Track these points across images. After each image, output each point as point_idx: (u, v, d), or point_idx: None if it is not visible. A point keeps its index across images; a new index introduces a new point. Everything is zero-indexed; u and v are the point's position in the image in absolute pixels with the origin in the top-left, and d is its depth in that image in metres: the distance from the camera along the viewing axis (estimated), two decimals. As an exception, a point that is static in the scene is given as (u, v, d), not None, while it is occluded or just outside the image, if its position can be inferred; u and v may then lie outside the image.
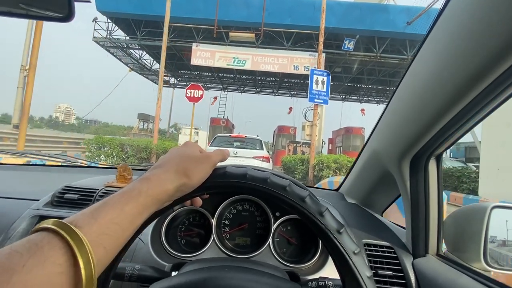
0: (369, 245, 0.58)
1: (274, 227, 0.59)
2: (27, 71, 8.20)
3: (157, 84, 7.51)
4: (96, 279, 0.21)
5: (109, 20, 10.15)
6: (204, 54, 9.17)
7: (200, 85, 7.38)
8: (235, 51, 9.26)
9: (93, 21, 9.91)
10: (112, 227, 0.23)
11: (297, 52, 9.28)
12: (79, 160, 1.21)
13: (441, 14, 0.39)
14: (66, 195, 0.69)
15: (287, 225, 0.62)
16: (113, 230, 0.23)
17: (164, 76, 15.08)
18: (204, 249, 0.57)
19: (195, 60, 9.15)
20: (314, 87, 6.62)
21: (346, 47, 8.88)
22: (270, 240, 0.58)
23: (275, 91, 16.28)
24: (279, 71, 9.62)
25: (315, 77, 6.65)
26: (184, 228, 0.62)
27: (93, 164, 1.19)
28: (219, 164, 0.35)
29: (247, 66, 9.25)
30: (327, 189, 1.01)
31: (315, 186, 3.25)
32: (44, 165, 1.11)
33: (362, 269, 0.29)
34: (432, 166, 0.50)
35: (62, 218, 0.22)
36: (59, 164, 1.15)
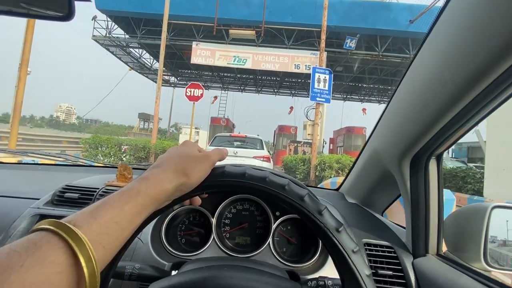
0: (369, 244, 0.58)
1: (274, 226, 0.60)
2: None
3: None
4: (99, 276, 0.21)
5: (108, 19, 10.15)
6: (204, 53, 9.16)
7: (200, 84, 7.35)
8: (236, 49, 9.25)
9: (92, 20, 9.93)
10: (112, 226, 0.23)
11: (298, 51, 9.26)
12: (79, 160, 1.22)
13: (441, 14, 0.39)
14: (66, 194, 0.69)
15: (287, 225, 0.62)
16: (113, 229, 0.23)
17: (164, 75, 15.13)
18: (204, 248, 0.57)
19: (195, 59, 9.14)
20: (316, 85, 6.56)
21: (347, 45, 8.85)
22: (270, 239, 0.59)
23: (275, 90, 16.27)
24: (280, 70, 9.60)
25: (317, 75, 6.58)
26: (184, 227, 0.62)
27: (93, 163, 1.19)
28: (218, 163, 0.35)
29: (248, 65, 9.24)
30: (327, 189, 1.01)
31: (318, 186, 3.25)
32: (44, 164, 1.12)
33: (361, 267, 0.30)
34: (432, 166, 0.51)
35: (62, 217, 0.22)
36: (60, 163, 1.16)
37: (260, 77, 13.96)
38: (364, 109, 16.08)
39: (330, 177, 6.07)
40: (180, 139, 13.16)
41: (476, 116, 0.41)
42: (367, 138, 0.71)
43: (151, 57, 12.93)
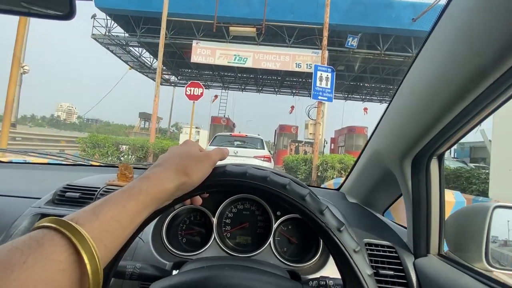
0: (370, 244, 0.59)
1: (275, 226, 0.60)
2: (23, 67, 8.22)
3: (160, 84, 7.51)
4: (102, 272, 0.21)
5: (108, 17, 10.16)
6: (204, 52, 9.15)
7: (200, 82, 7.33)
8: (236, 48, 9.23)
9: (91, 18, 9.94)
10: (113, 224, 0.24)
11: (300, 50, 9.23)
12: (80, 159, 1.23)
13: (443, 13, 0.39)
14: (67, 193, 0.70)
15: (288, 224, 0.63)
16: (114, 227, 0.24)
17: (164, 74, 15.16)
18: (205, 248, 0.57)
19: (195, 58, 9.12)
20: (318, 83, 6.47)
21: (349, 44, 8.83)
22: (271, 239, 0.59)
23: (276, 89, 16.26)
24: (280, 69, 9.58)
25: (319, 73, 6.49)
26: (185, 226, 0.63)
27: (94, 163, 1.20)
28: (219, 163, 0.35)
29: (248, 64, 9.22)
30: (328, 188, 1.02)
31: (319, 186, 3.24)
32: (45, 163, 1.13)
33: (363, 267, 0.30)
34: (434, 165, 0.51)
35: (63, 216, 0.22)
36: (61, 162, 1.17)
37: (260, 76, 13.95)
38: (365, 109, 16.05)
39: (333, 177, 6.03)
40: (181, 139, 13.19)
41: (478, 116, 0.41)
42: (368, 138, 0.71)
43: (151, 56, 12.94)
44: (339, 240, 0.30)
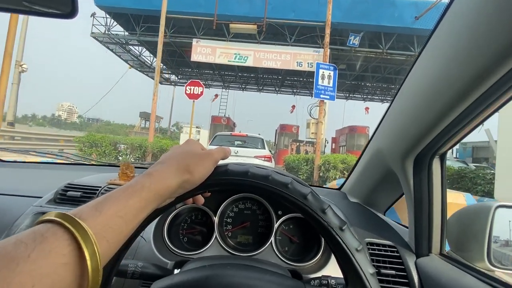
0: (372, 244, 0.59)
1: (276, 225, 0.60)
2: (22, 66, 8.24)
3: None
4: (101, 270, 0.22)
5: (107, 15, 10.17)
6: (204, 50, 9.14)
7: (200, 81, 7.31)
8: (237, 47, 9.23)
9: (91, 16, 9.95)
10: (116, 220, 0.24)
11: (301, 48, 9.21)
12: (81, 158, 1.24)
13: (446, 11, 0.39)
14: (69, 192, 0.70)
15: (289, 224, 0.63)
16: (117, 223, 0.24)
17: (164, 73, 15.17)
18: (206, 247, 0.58)
19: (196, 56, 9.12)
20: (320, 82, 6.35)
21: (351, 43, 8.80)
22: (272, 238, 0.59)
23: (277, 89, 16.26)
24: (281, 68, 9.57)
25: (321, 71, 6.39)
26: (186, 226, 0.63)
27: (95, 162, 1.21)
28: (221, 162, 0.35)
29: (249, 63, 9.21)
30: (329, 188, 1.02)
31: (319, 185, 3.25)
32: (46, 163, 1.13)
33: (365, 266, 0.30)
34: (436, 165, 0.51)
35: None
36: (62, 162, 1.18)
37: (261, 76, 13.95)
38: (367, 108, 16.04)
39: (335, 178, 6.00)
40: (181, 138, 13.21)
41: (481, 115, 0.41)
42: (370, 137, 0.72)
43: (151, 55, 12.95)
44: (341, 239, 0.31)
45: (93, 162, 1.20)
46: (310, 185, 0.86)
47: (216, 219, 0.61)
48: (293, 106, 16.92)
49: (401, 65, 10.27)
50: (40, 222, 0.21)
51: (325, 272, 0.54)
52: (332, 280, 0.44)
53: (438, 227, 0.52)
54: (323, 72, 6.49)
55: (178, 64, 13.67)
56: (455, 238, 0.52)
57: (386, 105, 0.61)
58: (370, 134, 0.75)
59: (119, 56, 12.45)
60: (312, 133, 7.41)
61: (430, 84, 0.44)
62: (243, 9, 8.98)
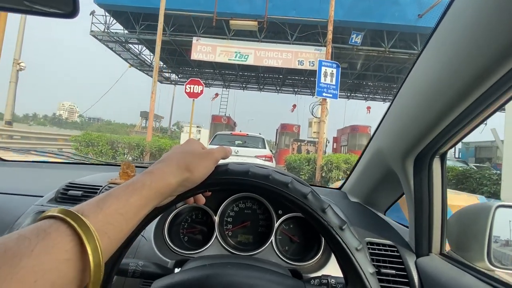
0: (372, 243, 0.60)
1: (276, 225, 0.61)
2: (20, 64, 8.24)
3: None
4: (103, 266, 0.22)
5: (106, 14, 10.17)
6: (205, 49, 9.13)
7: (200, 80, 7.29)
8: (237, 45, 9.21)
9: (90, 15, 9.96)
10: (117, 217, 0.24)
11: (302, 47, 9.18)
12: (82, 157, 1.25)
13: (448, 10, 0.40)
14: (70, 191, 0.71)
15: (290, 223, 0.64)
16: (118, 220, 0.24)
17: (165, 72, 15.17)
18: (207, 246, 0.59)
19: (196, 55, 9.10)
20: (322, 79, 6.26)
21: (353, 41, 8.76)
22: (272, 238, 0.60)
23: (278, 88, 16.24)
24: (282, 66, 9.54)
25: (323, 69, 6.30)
26: (187, 225, 0.64)
27: (96, 161, 1.22)
28: (221, 161, 0.36)
29: (250, 61, 9.18)
30: (329, 188, 1.03)
31: (320, 185, 3.24)
32: (48, 162, 1.15)
33: (365, 265, 0.30)
34: (436, 164, 0.52)
35: None
36: (63, 161, 1.19)
37: (262, 75, 13.94)
38: (368, 107, 16.02)
39: (338, 178, 5.94)
40: (182, 138, 13.24)
41: (482, 115, 0.41)
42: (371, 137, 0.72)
43: (151, 54, 12.94)
44: (341, 239, 0.31)
45: (94, 161, 1.21)
46: (311, 185, 0.86)
47: (216, 219, 0.61)
48: (294, 105, 16.92)
49: (404, 64, 10.19)
50: (42, 218, 0.22)
51: (325, 271, 0.55)
52: (332, 280, 0.44)
53: (438, 226, 0.52)
54: (326, 69, 6.39)
55: (179, 63, 13.67)
56: (455, 237, 0.53)
57: (388, 104, 0.61)
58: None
59: (119, 55, 12.46)
60: (314, 132, 7.33)
61: (431, 84, 0.44)
62: (244, 7, 8.96)
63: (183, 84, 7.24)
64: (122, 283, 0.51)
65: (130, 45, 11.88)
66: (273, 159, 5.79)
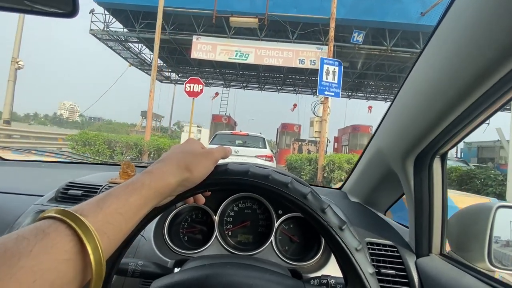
0: (372, 244, 0.60)
1: (276, 225, 0.61)
2: (18, 63, 8.24)
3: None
4: (105, 264, 0.22)
5: (106, 12, 10.17)
6: (205, 47, 9.11)
7: (200, 79, 7.27)
8: (238, 44, 9.19)
9: (90, 13, 9.97)
10: (117, 217, 0.24)
11: (303, 45, 9.15)
12: (82, 157, 1.26)
13: (449, 8, 0.40)
14: (70, 191, 0.72)
15: (290, 223, 0.64)
16: (117, 220, 0.24)
17: (165, 71, 15.17)
18: (207, 246, 0.59)
19: (196, 54, 9.09)
20: (324, 78, 6.18)
21: (355, 39, 8.72)
22: (272, 238, 0.60)
23: (279, 87, 16.23)
24: (283, 65, 9.53)
25: (325, 67, 6.22)
26: (187, 225, 0.64)
27: (96, 161, 1.23)
28: (221, 161, 0.36)
29: (250, 60, 9.16)
30: (329, 188, 1.03)
31: (320, 185, 3.24)
32: (48, 161, 1.15)
33: (365, 266, 0.31)
34: (436, 164, 0.52)
35: None
36: (63, 160, 1.20)
37: (263, 74, 13.92)
38: (370, 107, 16.01)
39: (340, 179, 5.91)
40: (182, 137, 13.26)
41: (483, 115, 0.41)
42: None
43: (151, 53, 12.92)
44: (341, 239, 0.31)
45: (94, 161, 1.22)
46: (311, 185, 0.87)
47: (216, 218, 0.62)
48: (295, 105, 16.89)
49: (406, 63, 10.12)
50: (41, 218, 0.22)
51: (325, 271, 0.55)
52: (332, 280, 0.44)
53: (439, 227, 0.53)
54: (328, 67, 6.29)
55: (179, 62, 13.67)
56: (456, 238, 0.53)
57: (389, 104, 0.61)
58: (373, 134, 0.75)
59: (119, 54, 12.46)
60: (316, 131, 7.25)
61: (431, 83, 0.44)
62: (244, 5, 8.94)
63: (183, 84, 7.22)
64: (122, 283, 0.51)
65: (130, 44, 11.88)
66: (274, 159, 5.79)
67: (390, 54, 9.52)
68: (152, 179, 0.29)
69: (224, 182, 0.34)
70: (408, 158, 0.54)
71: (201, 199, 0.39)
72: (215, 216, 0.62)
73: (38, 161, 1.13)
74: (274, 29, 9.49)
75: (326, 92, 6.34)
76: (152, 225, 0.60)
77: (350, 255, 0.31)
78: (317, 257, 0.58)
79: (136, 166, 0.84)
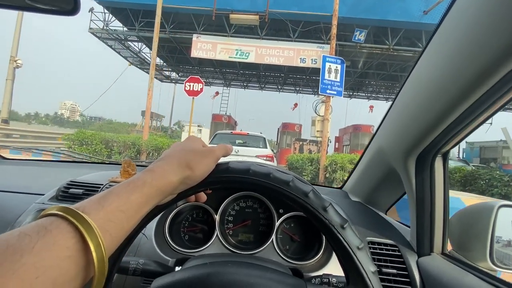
0: (373, 243, 0.60)
1: (277, 224, 0.62)
2: (16, 61, 8.23)
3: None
4: (107, 262, 0.22)
5: (105, 10, 10.18)
6: (205, 46, 9.10)
7: (199, 78, 7.24)
8: (238, 42, 9.18)
9: (89, 12, 9.97)
10: (118, 214, 0.25)
11: (304, 44, 9.13)
12: (83, 156, 1.27)
13: (450, 8, 0.40)
14: (71, 189, 0.73)
15: (291, 222, 0.64)
16: (119, 217, 0.25)
17: (165, 70, 15.16)
18: (208, 245, 0.59)
19: (196, 52, 9.08)
20: (326, 76, 6.10)
21: (356, 38, 8.69)
22: (273, 237, 0.61)
23: (279, 87, 16.21)
24: (284, 64, 9.51)
25: (327, 65, 6.15)
26: (188, 224, 0.65)
27: (96, 160, 1.24)
28: (222, 159, 0.36)
29: (251, 59, 9.15)
30: (330, 187, 1.03)
31: (321, 184, 3.24)
32: (49, 160, 1.16)
33: (366, 264, 0.31)
34: (438, 163, 0.52)
35: None
36: (64, 159, 1.21)
37: (263, 73, 13.91)
38: (371, 106, 15.98)
39: (343, 179, 5.87)
40: (183, 137, 13.27)
41: (485, 113, 0.41)
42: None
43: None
44: (343, 237, 0.31)
45: (95, 160, 1.23)
46: (312, 184, 0.87)
47: (217, 217, 0.62)
48: (296, 104, 16.87)
49: (408, 62, 10.07)
50: (43, 216, 0.22)
51: (326, 270, 0.55)
52: (333, 278, 0.45)
53: (440, 226, 0.53)
54: (330, 65, 6.20)
55: (179, 61, 13.66)
56: (457, 237, 0.53)
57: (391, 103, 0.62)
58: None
59: (118, 53, 12.46)
60: (317, 131, 7.16)
61: (433, 82, 0.44)
62: (244, 3, 8.92)
63: (183, 83, 7.21)
64: (123, 282, 0.51)
65: (130, 43, 11.88)
66: (274, 158, 5.79)
67: (392, 53, 9.48)
68: (154, 177, 0.29)
69: (225, 180, 0.34)
70: (409, 157, 0.54)
71: (202, 196, 0.40)
72: (216, 215, 0.62)
73: (39, 160, 1.14)
74: (275, 28, 9.47)
75: (328, 91, 6.26)
76: (153, 224, 0.60)
77: (352, 253, 0.31)
78: (318, 256, 0.59)
79: (137, 165, 0.85)
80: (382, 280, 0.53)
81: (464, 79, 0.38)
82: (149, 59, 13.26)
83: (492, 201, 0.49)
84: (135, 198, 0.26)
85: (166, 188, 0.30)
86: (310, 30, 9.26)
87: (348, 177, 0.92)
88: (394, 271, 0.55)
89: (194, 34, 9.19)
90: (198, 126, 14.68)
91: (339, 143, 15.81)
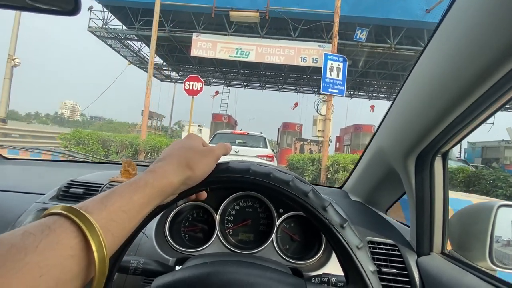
0: (372, 242, 0.61)
1: (277, 223, 0.62)
2: (14, 60, 8.22)
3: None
4: (108, 261, 0.23)
5: (104, 9, 10.17)
6: (205, 45, 9.08)
7: (199, 77, 7.22)
8: (238, 41, 9.16)
9: (88, 10, 9.97)
10: (121, 214, 0.25)
11: (305, 43, 9.10)
12: (84, 156, 1.27)
13: (450, 8, 0.40)
14: (71, 189, 0.73)
15: (291, 222, 0.65)
16: (121, 217, 0.25)
17: (165, 69, 15.15)
18: (208, 244, 0.60)
19: (196, 51, 9.06)
20: (328, 74, 6.02)
21: (358, 37, 8.67)
22: (273, 236, 0.61)
23: (280, 86, 16.20)
24: (285, 63, 9.48)
25: (329, 63, 6.07)
26: (188, 223, 0.65)
27: (97, 159, 1.24)
28: (222, 159, 0.37)
29: (251, 58, 9.13)
30: (330, 187, 1.04)
31: (321, 184, 3.24)
32: (49, 160, 1.17)
33: (366, 263, 0.31)
34: (438, 163, 0.52)
35: None
36: (64, 159, 1.21)
37: (264, 72, 13.89)
38: (372, 106, 15.95)
39: (343, 179, 5.79)
40: (183, 137, 13.24)
41: (485, 113, 0.42)
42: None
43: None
44: (342, 237, 0.32)
45: (95, 160, 1.23)
46: (312, 184, 0.87)
47: (217, 217, 0.63)
48: (296, 104, 16.86)
49: (410, 61, 10.03)
50: (46, 215, 0.23)
51: (326, 270, 0.56)
52: (333, 278, 0.45)
53: (440, 226, 0.53)
54: (332, 64, 6.12)
55: (179, 60, 13.65)
56: (457, 237, 0.54)
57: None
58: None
59: (118, 52, 12.45)
60: (319, 130, 7.08)
61: (433, 82, 0.44)
62: (244, 2, 8.90)
63: (183, 82, 7.20)
64: (123, 281, 0.52)
65: (129, 42, 11.87)
66: (275, 158, 5.79)
67: (393, 52, 9.45)
68: (155, 178, 0.29)
69: (225, 180, 0.35)
70: (409, 157, 0.55)
71: (202, 194, 0.40)
72: (216, 214, 0.63)
73: (39, 160, 1.15)
74: (276, 27, 9.45)
75: (330, 90, 6.18)
76: (153, 223, 0.61)
77: (351, 253, 0.31)
78: (318, 255, 0.59)
79: (138, 165, 0.85)
80: (381, 279, 0.54)
81: (464, 79, 0.38)
82: (148, 58, 13.24)
83: (491, 201, 0.50)
84: (138, 199, 0.27)
85: (167, 189, 0.30)
86: (311, 28, 9.23)
87: (348, 177, 0.93)
88: (394, 270, 0.55)
89: (194, 33, 9.17)
90: (198, 126, 14.70)
91: (340, 143, 15.81)
